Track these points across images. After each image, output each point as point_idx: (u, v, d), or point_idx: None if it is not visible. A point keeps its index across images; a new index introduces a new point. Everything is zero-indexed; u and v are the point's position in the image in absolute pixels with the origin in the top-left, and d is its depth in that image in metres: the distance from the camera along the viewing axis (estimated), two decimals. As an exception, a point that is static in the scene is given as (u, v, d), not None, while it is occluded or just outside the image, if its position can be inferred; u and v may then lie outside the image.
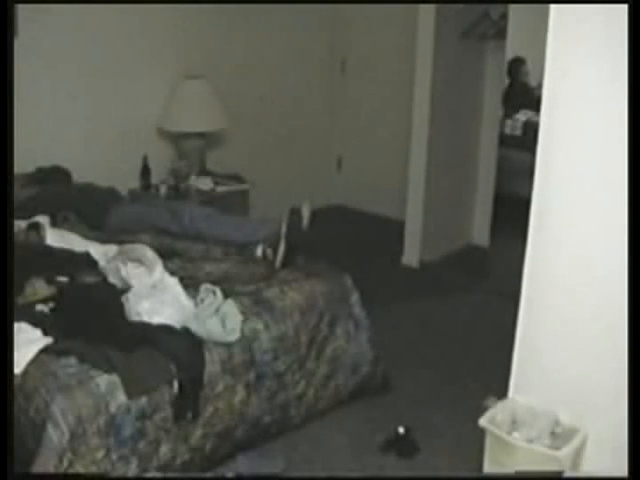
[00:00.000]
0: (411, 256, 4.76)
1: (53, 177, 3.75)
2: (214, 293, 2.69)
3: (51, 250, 2.94)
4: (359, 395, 3.14)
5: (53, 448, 2.18)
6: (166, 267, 2.78)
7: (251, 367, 2.68)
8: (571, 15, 2.13)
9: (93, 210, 3.45)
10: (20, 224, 3.08)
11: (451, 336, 3.84)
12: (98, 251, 2.97)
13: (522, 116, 4.22)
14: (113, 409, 2.29)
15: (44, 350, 2.36)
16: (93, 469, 2.26)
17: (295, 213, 3.16)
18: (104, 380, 2.30)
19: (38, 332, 2.43)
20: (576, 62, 2.16)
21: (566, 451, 2.26)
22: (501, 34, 4.33)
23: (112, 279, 2.77)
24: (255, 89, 4.90)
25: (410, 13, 4.61)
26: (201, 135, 4.40)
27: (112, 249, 2.95)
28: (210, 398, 2.56)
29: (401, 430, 2.87)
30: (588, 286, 2.27)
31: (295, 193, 4.37)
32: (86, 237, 3.15)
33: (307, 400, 2.93)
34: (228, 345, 2.61)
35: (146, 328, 2.52)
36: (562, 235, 2.31)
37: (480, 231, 4.95)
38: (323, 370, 2.97)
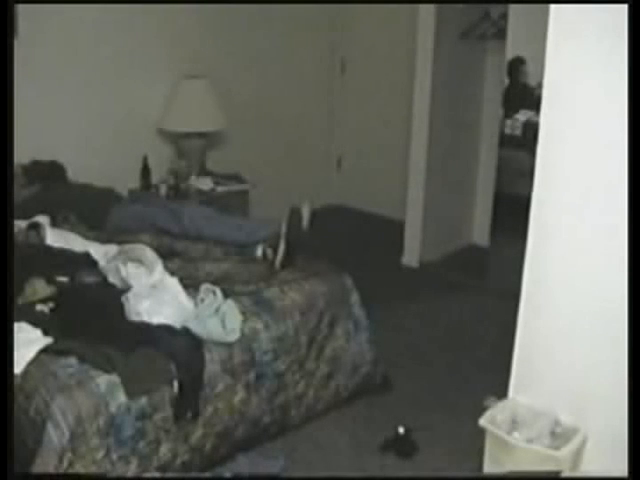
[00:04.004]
0: (411, 256, 4.76)
1: (49, 172, 3.74)
2: (214, 293, 2.69)
3: (51, 250, 2.94)
4: (359, 395, 3.14)
5: (53, 448, 2.18)
6: (166, 267, 2.78)
7: (251, 367, 2.68)
8: (571, 15, 2.13)
9: (93, 210, 3.45)
10: (20, 224, 3.08)
11: (451, 336, 3.84)
12: (98, 251, 2.97)
13: (522, 116, 4.22)
14: (113, 409, 2.29)
15: (44, 350, 2.36)
16: (93, 469, 2.26)
17: (295, 213, 3.16)
18: (104, 380, 2.31)
19: (38, 332, 2.44)
20: (576, 62, 2.16)
21: (566, 451, 2.26)
22: (501, 34, 4.33)
23: (112, 279, 2.77)
24: (255, 89, 4.90)
25: (410, 13, 4.62)
26: (201, 135, 4.40)
27: (112, 249, 2.95)
28: (210, 398, 2.56)
29: (401, 430, 2.87)
30: (588, 286, 2.27)
31: (295, 193, 4.37)
32: (86, 237, 3.14)
33: (307, 400, 2.93)
34: (228, 345, 2.61)
35: (146, 328, 2.52)
36: (562, 235, 2.31)
37: (480, 231, 4.95)
38: (323, 370, 2.97)
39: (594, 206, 2.21)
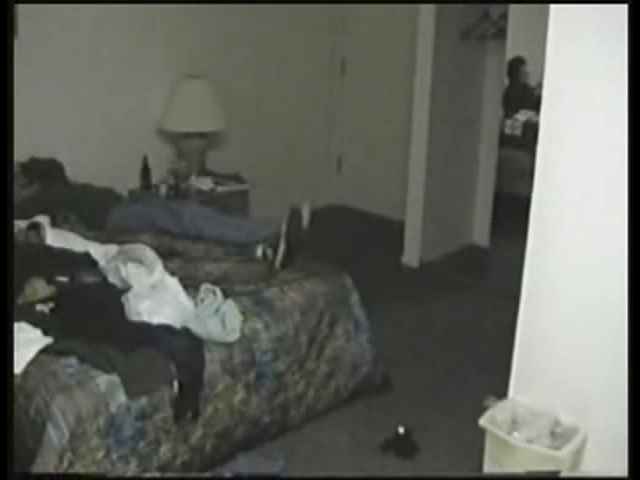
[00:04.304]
0: (411, 256, 4.76)
1: (47, 170, 3.74)
2: (214, 293, 2.69)
3: (51, 250, 2.94)
4: (359, 395, 3.14)
5: (53, 448, 2.18)
6: (166, 267, 2.78)
7: (251, 367, 2.68)
8: (571, 15, 2.13)
9: (93, 210, 3.45)
10: (20, 224, 3.08)
11: (451, 336, 3.84)
12: (98, 251, 2.97)
13: (522, 116, 4.22)
14: (113, 409, 2.29)
15: (44, 350, 2.36)
16: (93, 469, 2.26)
17: (295, 213, 3.16)
18: (104, 380, 2.31)
19: (38, 332, 2.44)
20: (576, 62, 2.16)
21: (566, 451, 2.26)
22: (501, 34, 4.33)
23: (112, 279, 2.77)
24: (255, 89, 4.90)
25: (410, 13, 4.62)
26: (201, 135, 4.40)
27: (112, 249, 2.95)
28: (210, 398, 2.56)
29: (401, 430, 2.87)
30: (588, 286, 2.27)
31: (295, 193, 4.37)
32: (86, 237, 3.14)
33: (307, 400, 2.93)
34: (228, 345, 2.61)
35: (146, 328, 2.52)
36: (562, 235, 2.31)
37: (480, 231, 4.95)
38: (323, 370, 2.97)
39: (594, 206, 2.21)
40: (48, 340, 2.40)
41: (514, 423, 2.41)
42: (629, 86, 2.02)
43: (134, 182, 4.26)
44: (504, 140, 4.32)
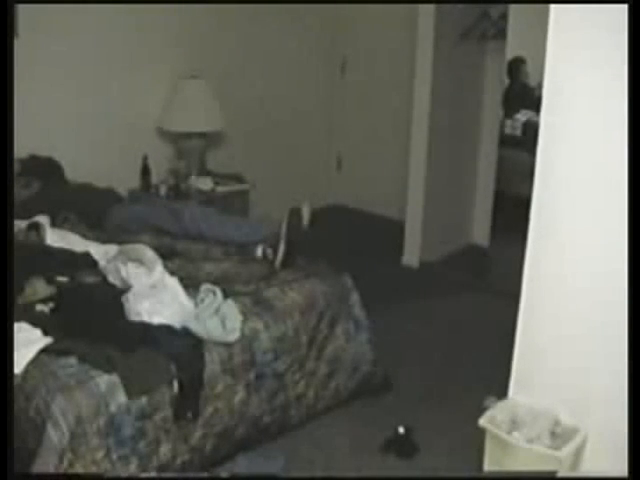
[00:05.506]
0: (411, 256, 4.76)
1: (46, 168, 3.74)
2: (214, 293, 2.69)
3: (51, 250, 2.94)
4: (359, 395, 3.14)
5: (53, 448, 2.18)
6: (166, 267, 2.78)
7: (251, 367, 2.68)
8: (571, 15, 2.14)
9: (93, 210, 3.45)
10: (20, 224, 3.08)
11: (451, 336, 3.84)
12: (98, 251, 2.97)
13: (522, 116, 4.23)
14: (113, 409, 2.29)
15: (44, 350, 2.36)
16: (93, 469, 2.26)
17: (295, 213, 3.16)
18: (104, 380, 2.31)
19: (38, 332, 2.44)
20: (576, 62, 2.16)
21: (566, 451, 2.26)
22: (501, 34, 4.34)
23: (112, 279, 2.77)
24: (255, 89, 4.90)
25: (410, 13, 4.62)
26: (201, 135, 4.40)
27: (112, 249, 2.95)
28: (210, 398, 2.56)
29: (401, 430, 2.87)
30: (588, 286, 2.27)
31: (295, 193, 4.37)
32: (86, 237, 3.14)
33: (307, 400, 2.93)
34: (228, 345, 2.61)
35: (146, 328, 2.52)
36: (562, 234, 2.31)
37: (480, 231, 4.95)
38: (323, 370, 2.97)
39: (594, 206, 2.21)
40: (48, 340, 2.40)
41: (514, 423, 2.41)
42: (629, 85, 2.03)
43: (134, 182, 4.26)
44: (504, 140, 4.32)
